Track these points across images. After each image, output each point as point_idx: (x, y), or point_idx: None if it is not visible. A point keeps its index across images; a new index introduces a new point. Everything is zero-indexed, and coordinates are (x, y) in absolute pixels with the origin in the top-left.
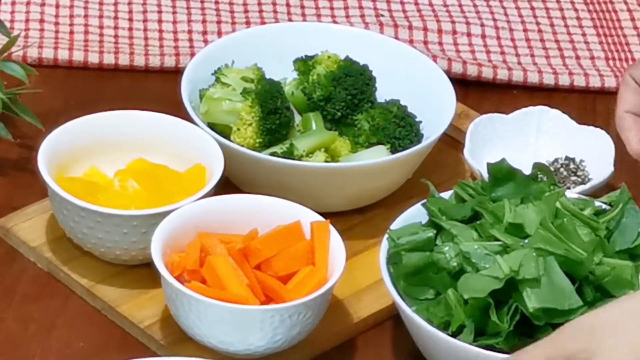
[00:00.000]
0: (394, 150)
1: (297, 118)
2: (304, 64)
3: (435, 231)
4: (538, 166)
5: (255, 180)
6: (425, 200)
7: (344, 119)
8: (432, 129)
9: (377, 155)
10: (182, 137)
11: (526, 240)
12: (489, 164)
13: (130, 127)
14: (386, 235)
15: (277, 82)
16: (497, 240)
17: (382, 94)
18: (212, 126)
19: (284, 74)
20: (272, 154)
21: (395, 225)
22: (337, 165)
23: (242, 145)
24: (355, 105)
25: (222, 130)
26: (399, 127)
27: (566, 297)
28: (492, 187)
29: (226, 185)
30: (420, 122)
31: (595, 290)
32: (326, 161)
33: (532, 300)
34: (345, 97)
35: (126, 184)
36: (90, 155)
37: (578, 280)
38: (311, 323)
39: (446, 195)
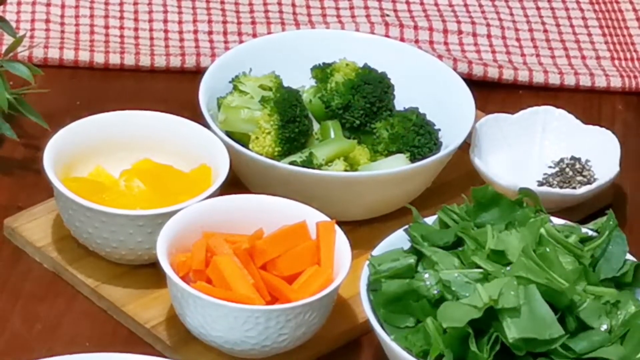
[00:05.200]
0: (413, 159)
1: (315, 126)
2: (322, 72)
3: (416, 258)
4: (523, 191)
5: (274, 188)
6: (407, 226)
7: (363, 127)
8: (451, 137)
9: (397, 164)
10: (187, 137)
11: (508, 268)
12: (473, 189)
13: (136, 127)
14: (367, 262)
15: (295, 90)
16: (479, 267)
17: (401, 102)
18: (230, 134)
19: (301, 81)
20: (292, 163)
21: (378, 250)
22: (357, 175)
23: (261, 154)
24: (374, 114)
25: (240, 138)
26: (418, 135)
27: (547, 327)
28: (476, 212)
29: (232, 185)
30: (439, 130)
31: (577, 320)
32: (345, 170)
33: (512, 330)
34: (364, 105)
35: (132, 184)
36: (96, 155)
37: (560, 310)
38: (317, 323)
39: (431, 220)
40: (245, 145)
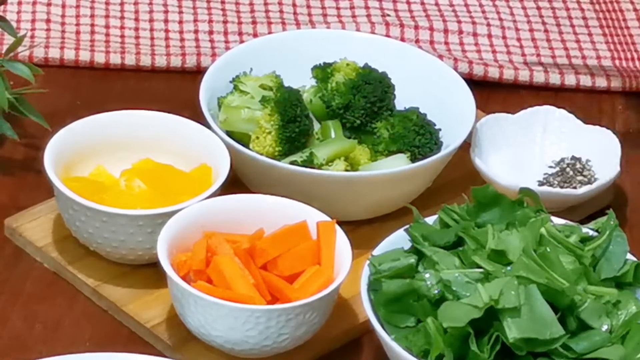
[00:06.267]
0: (413, 159)
1: (316, 126)
2: (323, 72)
3: (416, 257)
4: (524, 191)
5: (275, 188)
6: (408, 226)
7: (363, 127)
8: (451, 137)
9: (398, 164)
10: (188, 137)
11: (509, 267)
12: (473, 189)
13: (136, 126)
14: (367, 261)
15: (296, 90)
16: (479, 267)
17: (401, 102)
18: (230, 134)
19: (302, 81)
20: (292, 163)
21: (378, 250)
22: (357, 174)
23: (261, 154)
24: (375, 113)
25: (240, 138)
26: (418, 135)
27: (547, 326)
28: (477, 212)
29: (232, 185)
30: (440, 129)
31: (578, 320)
32: (346, 170)
33: (512, 330)
34: (364, 105)
35: (132, 184)
36: (97, 155)
37: (560, 310)
38: (317, 323)
39: (431, 219)
40: (246, 145)
